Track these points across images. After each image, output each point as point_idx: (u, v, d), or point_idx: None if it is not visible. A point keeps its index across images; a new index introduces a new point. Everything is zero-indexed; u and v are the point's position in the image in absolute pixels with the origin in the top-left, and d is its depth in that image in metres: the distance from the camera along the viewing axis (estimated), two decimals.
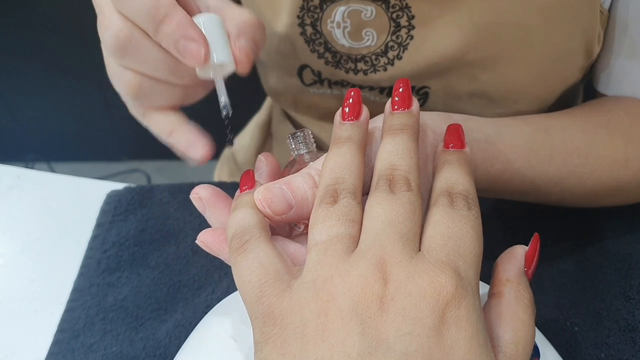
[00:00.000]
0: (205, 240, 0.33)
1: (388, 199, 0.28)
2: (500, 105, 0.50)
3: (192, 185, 0.55)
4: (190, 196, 0.35)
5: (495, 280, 0.30)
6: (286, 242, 0.31)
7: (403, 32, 0.45)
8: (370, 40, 0.46)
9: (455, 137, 0.33)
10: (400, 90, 0.33)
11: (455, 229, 0.27)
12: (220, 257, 0.33)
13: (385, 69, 0.48)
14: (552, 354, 0.35)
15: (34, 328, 0.46)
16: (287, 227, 0.35)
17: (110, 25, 0.32)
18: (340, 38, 0.47)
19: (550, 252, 0.48)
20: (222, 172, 0.79)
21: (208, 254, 0.49)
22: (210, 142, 0.36)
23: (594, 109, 0.47)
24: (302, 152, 0.37)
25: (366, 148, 0.33)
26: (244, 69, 0.33)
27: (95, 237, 0.52)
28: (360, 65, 0.48)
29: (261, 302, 0.27)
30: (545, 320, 0.43)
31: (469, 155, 0.33)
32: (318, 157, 0.34)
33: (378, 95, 0.51)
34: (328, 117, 0.57)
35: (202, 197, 0.35)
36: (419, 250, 0.27)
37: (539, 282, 0.46)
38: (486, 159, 0.38)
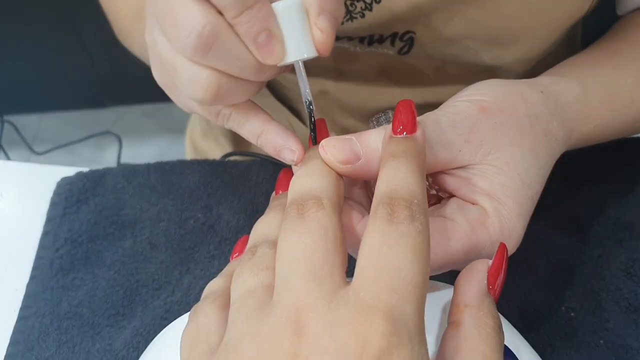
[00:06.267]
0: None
1: (292, 229, 0.25)
2: (495, 47, 0.44)
3: (148, 167, 0.51)
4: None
5: (453, 305, 0.26)
6: None
7: None
8: None
9: (406, 117, 0.28)
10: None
11: (390, 255, 0.23)
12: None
13: (363, 16, 0.42)
14: (527, 352, 0.31)
15: None
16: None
17: (187, 21, 0.26)
18: None
19: (542, 222, 0.43)
20: (194, 131, 0.74)
21: (167, 248, 0.45)
22: (299, 142, 0.32)
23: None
24: None
25: None
26: (325, 52, 0.29)
27: (46, 234, 0.47)
28: None
29: None
30: (538, 306, 0.39)
31: (420, 142, 0.28)
32: None
33: (359, 45, 0.45)
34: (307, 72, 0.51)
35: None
36: (346, 284, 0.23)
37: (530, 260, 0.41)
38: (580, 120, 0.36)
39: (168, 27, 0.27)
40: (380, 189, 0.26)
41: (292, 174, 0.33)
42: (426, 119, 0.30)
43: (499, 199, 0.30)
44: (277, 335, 0.22)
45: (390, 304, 0.22)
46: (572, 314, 0.39)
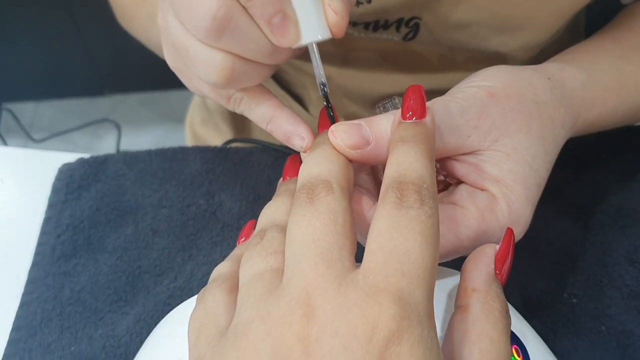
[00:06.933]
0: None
1: (302, 213, 0.24)
2: (501, 34, 0.44)
3: (149, 154, 0.50)
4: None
5: (460, 290, 0.26)
6: None
7: None
8: None
9: (416, 102, 0.28)
10: None
11: (400, 239, 0.23)
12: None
13: (369, 1, 0.41)
14: (532, 337, 0.31)
15: None
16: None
17: (202, 3, 0.26)
18: None
19: (546, 209, 0.43)
20: (194, 119, 0.73)
21: (169, 235, 0.45)
22: (309, 129, 0.32)
23: None
24: None
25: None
26: (339, 34, 0.29)
27: (47, 220, 0.47)
28: None
29: (196, 347, 0.25)
30: (540, 293, 0.39)
31: (429, 127, 0.28)
32: None
33: (363, 31, 0.45)
34: (306, 57, 0.51)
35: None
36: (356, 268, 0.23)
37: (533, 246, 0.41)
38: (585, 107, 0.36)
39: (182, 11, 0.27)
40: (389, 173, 0.26)
41: (299, 160, 0.33)
42: (435, 104, 0.30)
43: (508, 185, 0.30)
44: (286, 317, 0.22)
45: (400, 288, 0.22)
46: (575, 301, 0.39)
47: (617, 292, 0.39)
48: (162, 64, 0.35)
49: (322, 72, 0.31)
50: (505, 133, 0.30)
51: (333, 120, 0.31)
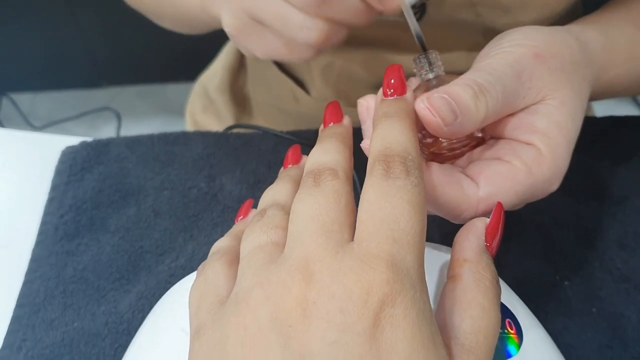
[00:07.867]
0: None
1: (309, 193, 0.26)
2: (505, 14, 0.45)
3: (151, 138, 0.51)
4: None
5: (452, 261, 0.27)
6: None
7: None
8: None
9: (396, 80, 0.30)
10: None
11: (388, 208, 0.24)
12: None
13: None
14: (523, 311, 0.32)
15: None
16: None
17: None
18: None
19: None
20: (194, 107, 0.74)
21: (171, 216, 0.46)
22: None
23: None
24: (429, 76, 0.33)
25: None
26: None
27: (51, 201, 0.48)
28: None
29: (196, 316, 0.26)
30: (532, 274, 0.40)
31: (410, 102, 0.29)
32: (448, 82, 0.31)
33: None
34: None
35: (369, 107, 0.33)
36: (351, 240, 0.24)
37: (525, 230, 0.43)
38: (604, 68, 0.37)
39: None
40: (375, 147, 0.27)
41: (300, 150, 0.35)
42: (491, 75, 0.31)
43: (554, 137, 0.31)
44: (286, 282, 0.23)
45: (392, 253, 0.23)
46: (566, 283, 0.40)
47: (608, 275, 0.40)
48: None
49: (417, 26, 0.34)
50: (553, 89, 0.31)
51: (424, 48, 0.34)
